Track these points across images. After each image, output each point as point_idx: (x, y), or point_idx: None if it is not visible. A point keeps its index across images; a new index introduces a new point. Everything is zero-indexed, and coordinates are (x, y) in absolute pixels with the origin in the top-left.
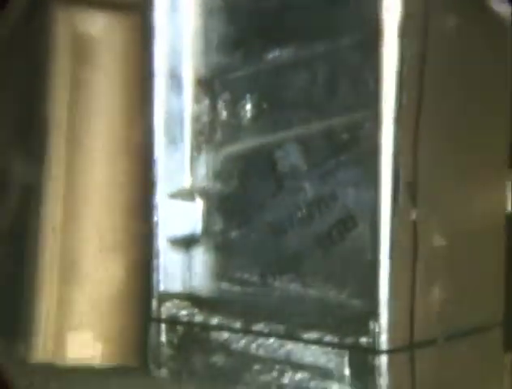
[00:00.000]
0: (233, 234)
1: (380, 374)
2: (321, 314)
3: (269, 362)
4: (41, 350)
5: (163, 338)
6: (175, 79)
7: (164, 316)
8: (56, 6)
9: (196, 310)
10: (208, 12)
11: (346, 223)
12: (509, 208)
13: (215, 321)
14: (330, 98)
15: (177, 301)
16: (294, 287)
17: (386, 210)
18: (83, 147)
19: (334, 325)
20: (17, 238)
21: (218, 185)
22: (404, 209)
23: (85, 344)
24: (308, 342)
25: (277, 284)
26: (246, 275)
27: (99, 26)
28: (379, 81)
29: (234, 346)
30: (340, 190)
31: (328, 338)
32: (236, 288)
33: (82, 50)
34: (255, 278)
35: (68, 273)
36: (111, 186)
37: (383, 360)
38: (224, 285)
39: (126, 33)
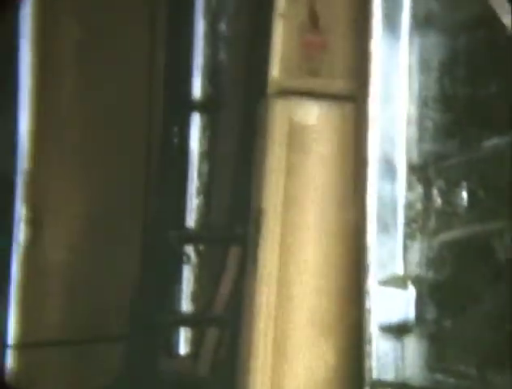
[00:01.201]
0: (448, 323)
1: None
2: None
3: None
4: None
5: None
6: (388, 166)
7: None
8: (273, 97)
9: None
10: (423, 101)
11: None
12: None
13: None
14: None
15: None
16: None
17: None
18: (297, 231)
19: None
20: (231, 321)
21: (431, 273)
22: None
23: None
24: None
25: (497, 378)
26: (462, 368)
27: (314, 115)
28: None
29: None
30: None
31: None
32: (452, 381)
33: (297, 138)
34: (472, 371)
35: (280, 356)
36: (323, 270)
37: None
38: (439, 377)
39: (340, 122)
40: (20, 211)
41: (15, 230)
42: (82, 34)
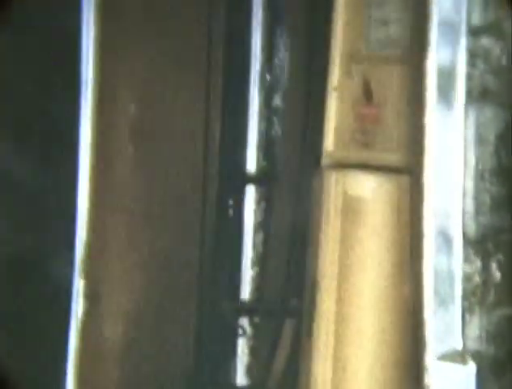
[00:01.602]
0: None
1: None
2: None
3: None
4: None
5: None
6: (444, 239)
7: None
8: (328, 169)
9: None
10: (479, 174)
11: None
12: None
13: None
14: None
15: None
16: None
17: None
18: (353, 304)
19: None
20: None
21: (491, 348)
22: None
23: None
24: None
25: None
26: None
27: (368, 188)
28: None
29: None
30: None
31: None
32: None
33: (352, 211)
34: None
35: None
36: (380, 345)
37: None
38: None
39: (395, 194)
40: (78, 284)
41: (73, 303)
42: (138, 108)
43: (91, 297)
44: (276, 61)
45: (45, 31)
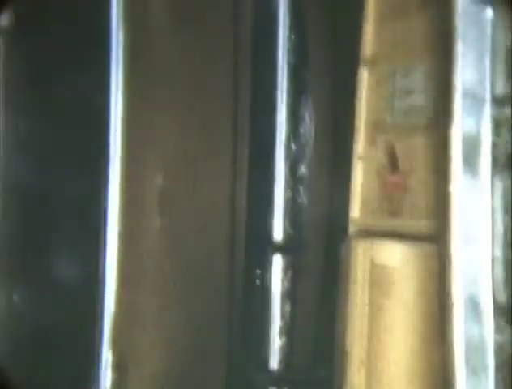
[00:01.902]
0: None
1: None
2: None
3: None
4: None
5: None
6: (474, 307)
7: None
8: (354, 238)
9: None
10: (508, 242)
11: None
12: None
13: None
14: None
15: None
16: None
17: None
18: (382, 375)
19: None
20: None
21: None
22: None
23: None
24: None
25: None
26: None
27: (396, 256)
28: None
29: None
30: None
31: None
32: None
33: (379, 280)
34: None
35: None
36: None
37: None
38: None
39: (423, 263)
40: (106, 356)
41: (101, 376)
42: (165, 179)
43: (119, 368)
44: (301, 130)
45: (73, 106)
